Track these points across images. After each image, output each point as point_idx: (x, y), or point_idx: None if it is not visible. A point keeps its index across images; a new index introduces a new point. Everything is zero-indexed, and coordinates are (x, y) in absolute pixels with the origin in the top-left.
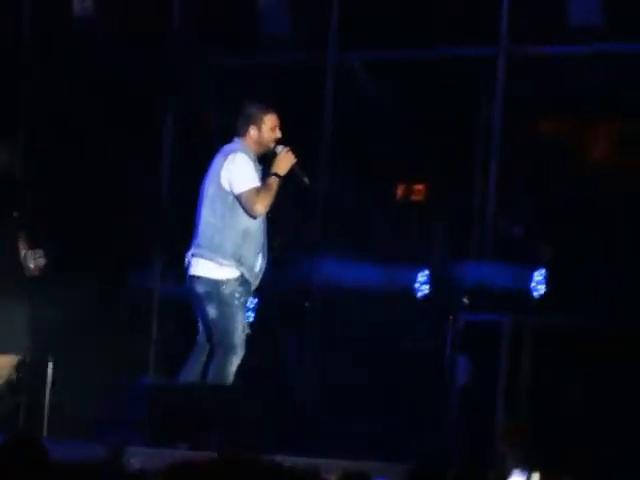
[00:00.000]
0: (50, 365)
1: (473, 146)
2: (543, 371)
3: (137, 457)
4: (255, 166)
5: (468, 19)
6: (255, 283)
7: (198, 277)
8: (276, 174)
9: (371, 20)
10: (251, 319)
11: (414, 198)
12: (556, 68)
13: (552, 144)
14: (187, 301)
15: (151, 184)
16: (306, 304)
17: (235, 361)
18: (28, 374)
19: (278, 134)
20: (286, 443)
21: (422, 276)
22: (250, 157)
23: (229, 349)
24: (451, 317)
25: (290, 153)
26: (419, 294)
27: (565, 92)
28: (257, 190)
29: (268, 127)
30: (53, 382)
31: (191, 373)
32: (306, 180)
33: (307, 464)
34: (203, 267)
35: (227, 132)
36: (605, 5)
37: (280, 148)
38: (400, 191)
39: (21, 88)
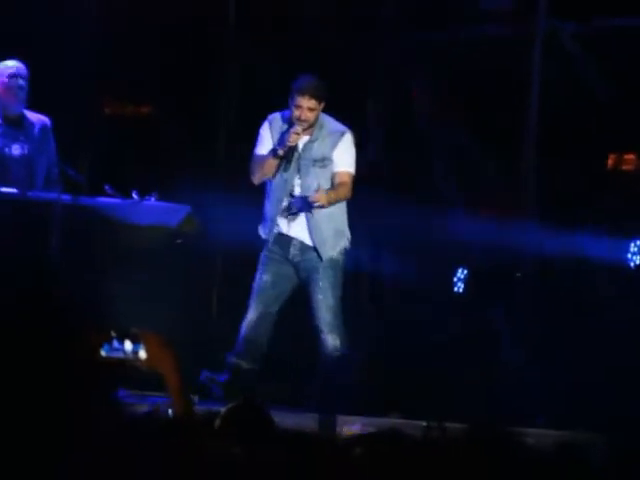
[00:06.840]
0: None
1: None
2: None
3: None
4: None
5: None
6: (294, 244)
7: None
8: (273, 150)
9: None
10: (460, 290)
11: (624, 167)
12: None
13: None
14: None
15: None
16: (517, 275)
17: (248, 313)
18: None
19: (296, 112)
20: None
21: (634, 246)
22: (276, 124)
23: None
24: None
25: (294, 135)
26: (631, 264)
27: None
28: (254, 158)
29: (293, 103)
30: None
31: None
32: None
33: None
34: None
35: None
36: None
37: (294, 128)
38: (611, 161)
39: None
